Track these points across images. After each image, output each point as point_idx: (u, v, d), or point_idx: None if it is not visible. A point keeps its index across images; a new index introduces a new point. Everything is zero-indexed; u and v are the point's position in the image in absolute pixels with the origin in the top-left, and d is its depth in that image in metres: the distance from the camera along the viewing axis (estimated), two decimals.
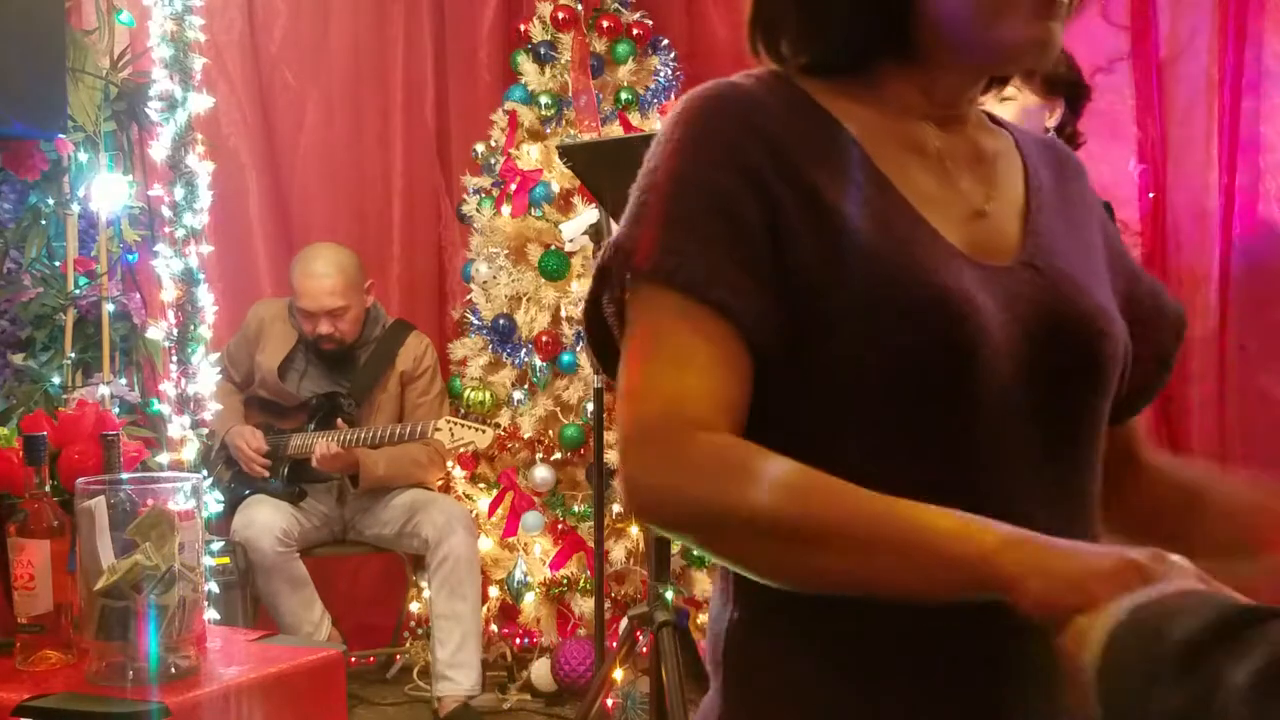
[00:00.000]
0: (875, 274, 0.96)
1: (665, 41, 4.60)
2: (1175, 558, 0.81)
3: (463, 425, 4.03)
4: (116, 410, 3.17)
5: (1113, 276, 1.12)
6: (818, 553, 0.89)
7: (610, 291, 1.01)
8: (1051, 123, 3.30)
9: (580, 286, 4.28)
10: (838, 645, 0.99)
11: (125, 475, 1.98)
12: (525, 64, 4.52)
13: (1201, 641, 0.66)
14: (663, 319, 0.96)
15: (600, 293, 1.02)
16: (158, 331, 3.38)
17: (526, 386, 4.39)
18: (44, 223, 3.40)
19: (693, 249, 0.96)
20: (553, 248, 4.31)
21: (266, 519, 3.97)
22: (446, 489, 4.40)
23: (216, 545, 3.63)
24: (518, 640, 4.37)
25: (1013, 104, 3.24)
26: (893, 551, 0.88)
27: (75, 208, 3.39)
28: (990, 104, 3.54)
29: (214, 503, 3.58)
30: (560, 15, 4.46)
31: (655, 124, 4.37)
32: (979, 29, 1.00)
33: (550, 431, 4.34)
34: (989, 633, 0.94)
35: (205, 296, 3.39)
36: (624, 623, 2.85)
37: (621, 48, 4.49)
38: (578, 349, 4.29)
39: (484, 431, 4.04)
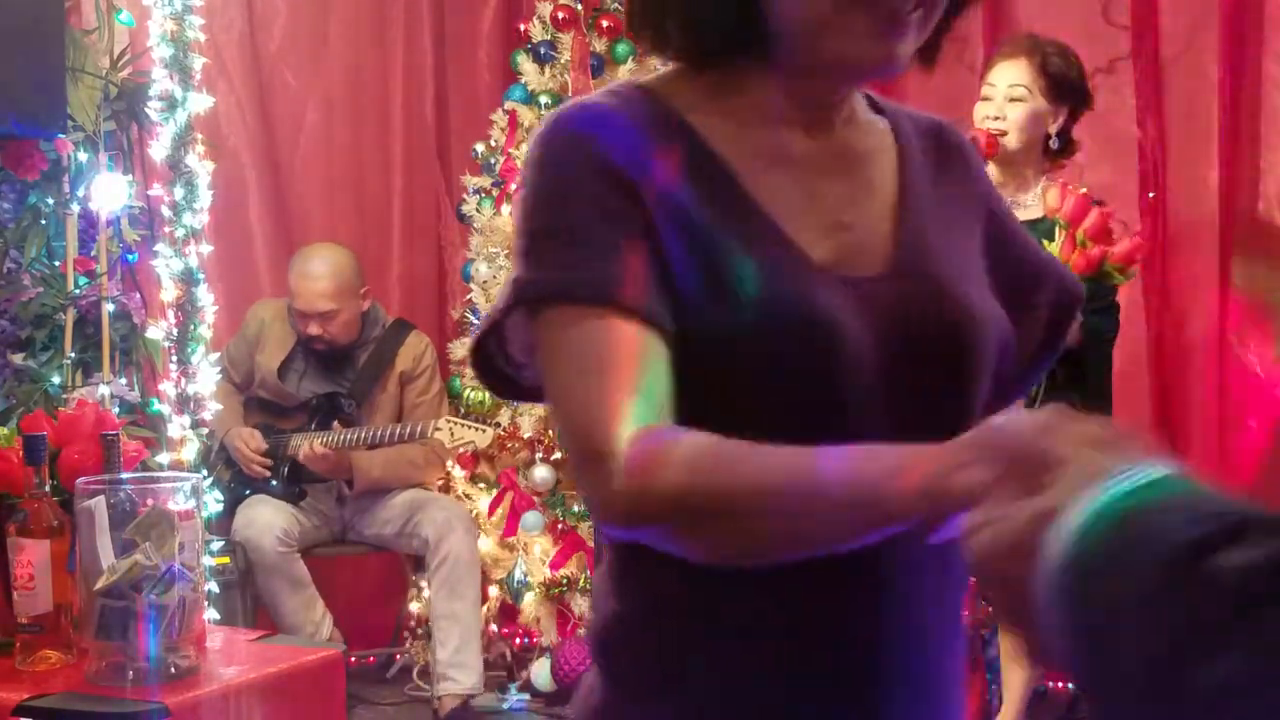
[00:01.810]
0: (736, 296, 0.96)
1: None
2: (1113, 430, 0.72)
3: (463, 425, 4.03)
4: (116, 410, 3.16)
5: (992, 265, 1.11)
6: (734, 522, 0.89)
7: (502, 328, 1.02)
8: (1054, 127, 3.30)
9: None
10: (711, 640, 1.01)
11: (125, 475, 1.98)
12: (525, 64, 4.52)
13: (1212, 544, 0.55)
14: (572, 334, 0.96)
15: (494, 329, 1.02)
16: (158, 331, 3.38)
17: None
18: (44, 222, 3.40)
19: (585, 260, 0.96)
20: None
21: (267, 519, 3.97)
22: (447, 489, 4.40)
23: (216, 545, 3.62)
24: (518, 640, 4.37)
25: (1022, 106, 3.25)
26: (800, 511, 0.87)
27: (75, 207, 3.39)
28: (1002, 103, 3.53)
29: (214, 502, 3.58)
30: (560, 15, 4.46)
31: None
32: (815, 43, 0.99)
33: (550, 431, 4.33)
34: (871, 627, 0.98)
35: (205, 296, 3.39)
36: None
37: (621, 48, 4.49)
38: None
39: (484, 431, 4.04)
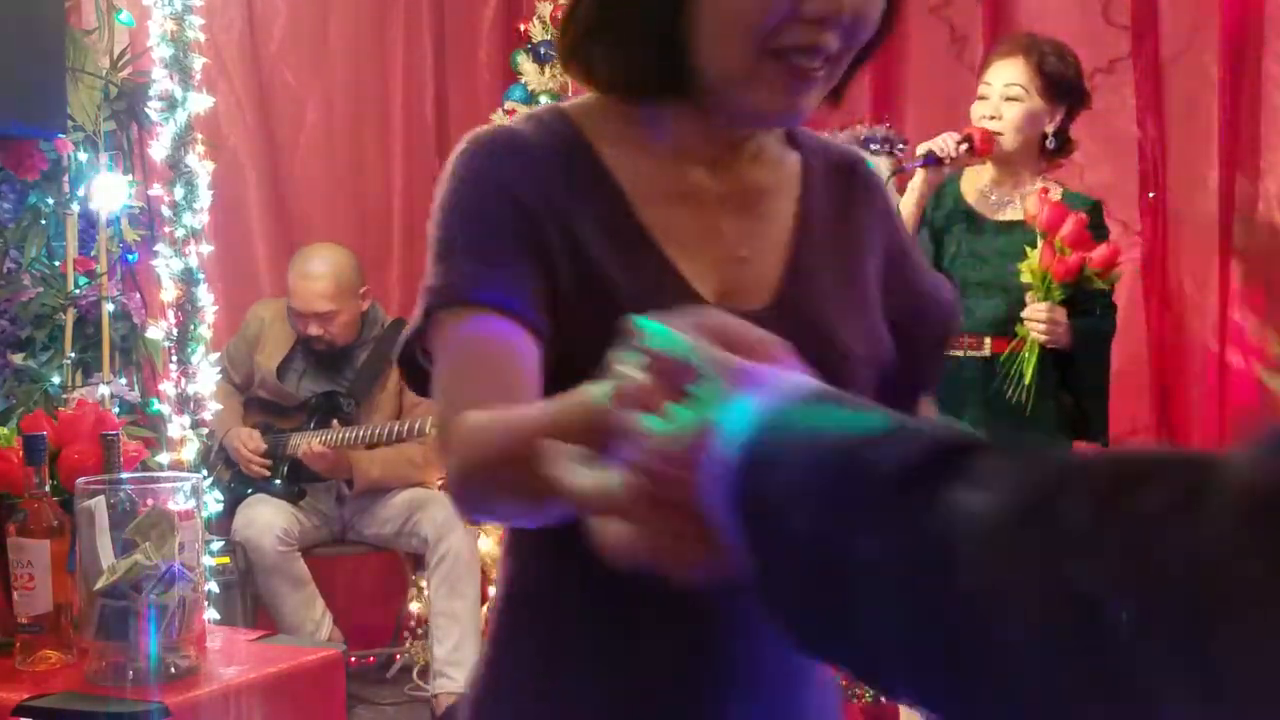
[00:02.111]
0: (614, 323, 0.97)
1: None
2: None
3: None
4: (116, 410, 3.16)
5: (886, 295, 1.17)
6: (507, 477, 0.90)
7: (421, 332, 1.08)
8: (1051, 127, 3.30)
9: None
10: (565, 628, 1.09)
11: (125, 475, 1.98)
12: (525, 64, 4.52)
13: (921, 472, 0.56)
14: (449, 334, 1.04)
15: (414, 335, 1.08)
16: (158, 331, 3.38)
17: None
18: (44, 222, 3.40)
19: (477, 271, 1.03)
20: None
21: (267, 519, 3.97)
22: (446, 489, 4.39)
23: (216, 545, 3.62)
24: None
25: (1019, 105, 3.25)
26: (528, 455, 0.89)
27: (75, 207, 3.39)
28: (998, 103, 3.53)
29: (214, 502, 3.58)
30: (560, 15, 4.46)
31: None
32: (731, 91, 1.05)
33: None
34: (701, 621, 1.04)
35: (205, 296, 3.39)
36: None
37: None
38: None
39: None
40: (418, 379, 1.10)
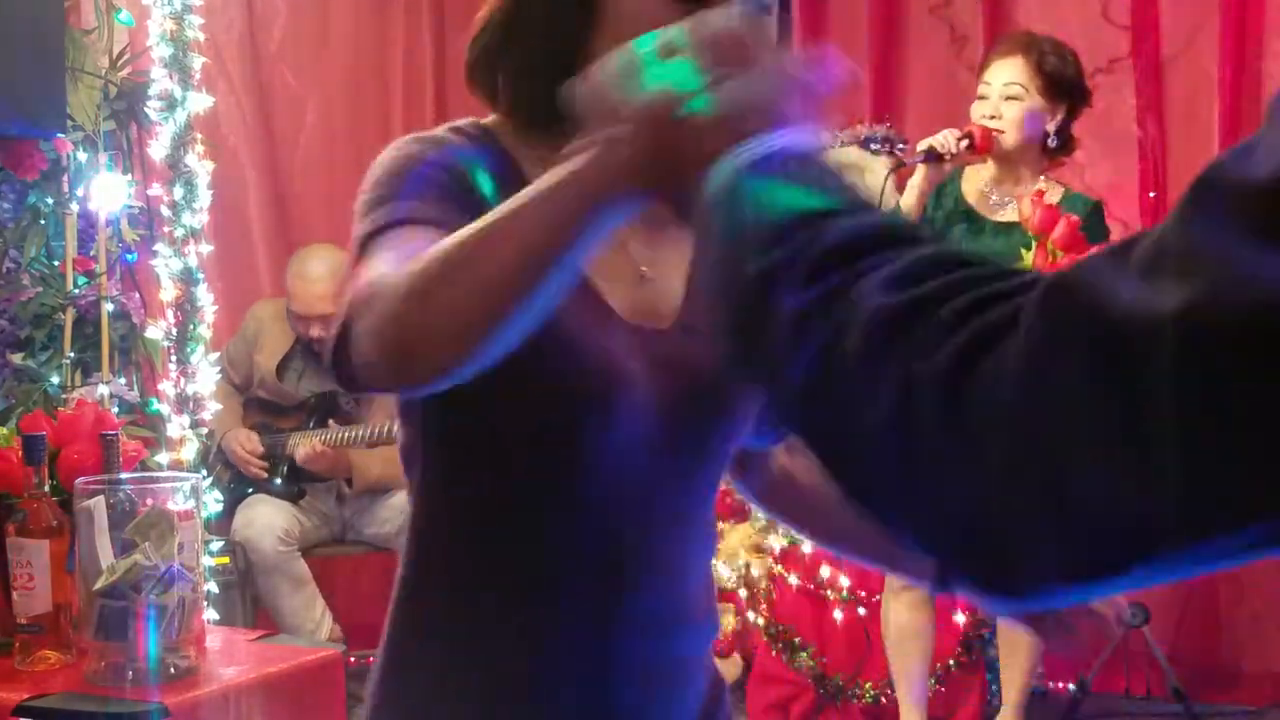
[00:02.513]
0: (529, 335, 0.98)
1: None
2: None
3: None
4: (116, 410, 3.16)
5: None
6: (452, 277, 0.90)
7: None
8: (1052, 126, 3.30)
9: None
10: (469, 631, 1.13)
11: (124, 475, 1.98)
12: None
13: (835, 211, 0.68)
14: (382, 241, 1.03)
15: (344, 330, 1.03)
16: (157, 331, 3.38)
17: None
18: (43, 222, 3.40)
19: (412, 207, 1.05)
20: None
21: (267, 519, 3.97)
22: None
23: (216, 545, 3.62)
24: None
25: (1019, 104, 3.25)
26: (508, 230, 0.89)
27: (74, 207, 3.39)
28: (998, 102, 3.53)
29: (213, 502, 3.58)
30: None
31: None
32: None
33: None
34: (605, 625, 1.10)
35: (205, 296, 3.39)
36: None
37: None
38: None
39: None
40: (349, 375, 1.04)
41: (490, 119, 1.15)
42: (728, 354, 0.73)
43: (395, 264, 0.96)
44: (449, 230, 0.94)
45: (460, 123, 1.14)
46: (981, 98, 3.26)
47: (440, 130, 1.13)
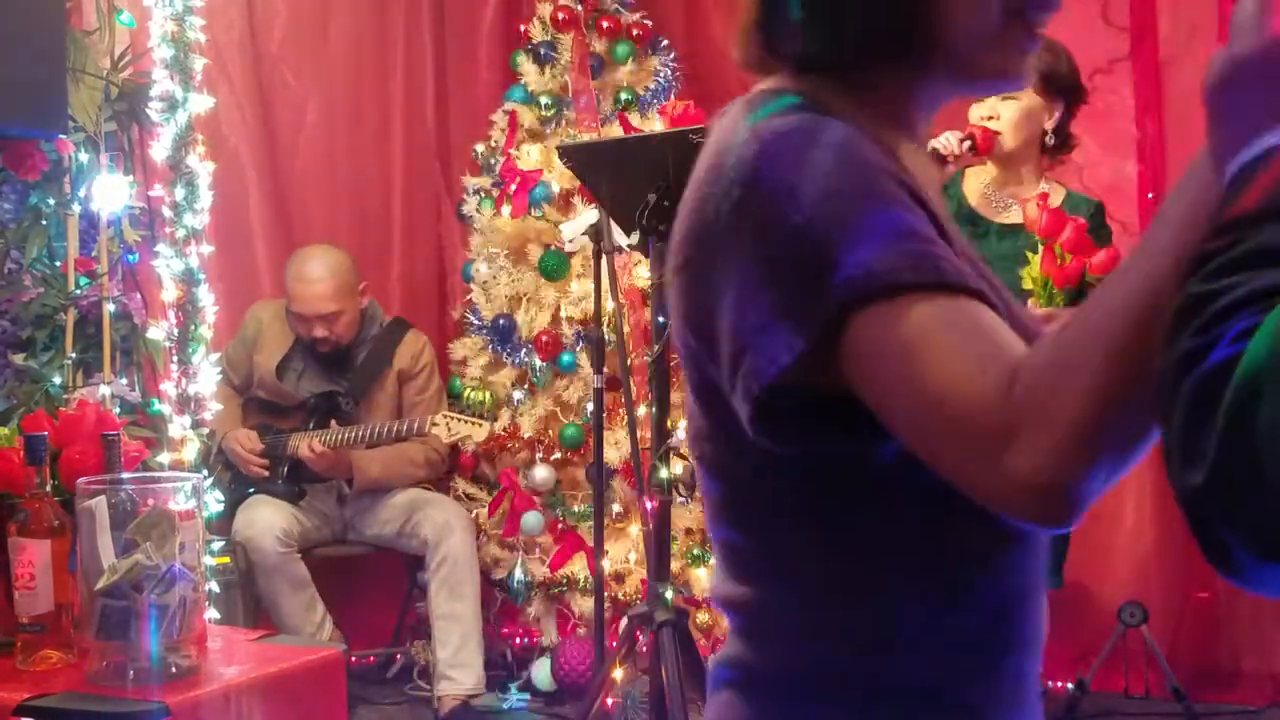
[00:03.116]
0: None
1: (665, 42, 4.60)
2: None
3: (459, 419, 4.05)
4: (117, 410, 3.17)
5: None
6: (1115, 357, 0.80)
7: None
8: (1050, 124, 3.30)
9: (579, 287, 4.29)
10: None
11: (126, 475, 1.98)
12: (525, 64, 4.53)
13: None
14: (921, 320, 0.87)
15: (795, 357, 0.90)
16: (158, 331, 3.39)
17: (526, 386, 4.39)
18: (45, 223, 3.40)
19: (921, 249, 0.88)
20: (553, 248, 4.31)
21: (267, 519, 3.97)
22: (448, 490, 4.40)
23: (217, 545, 3.63)
24: (518, 640, 4.37)
25: (1015, 104, 3.25)
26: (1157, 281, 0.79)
27: (76, 208, 3.39)
28: (995, 103, 3.53)
29: (214, 502, 3.58)
30: (560, 15, 4.46)
31: (655, 124, 4.37)
32: (976, 53, 1.01)
33: (550, 431, 4.34)
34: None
35: (206, 296, 3.39)
36: (624, 623, 2.86)
37: (621, 48, 4.49)
38: (577, 349, 4.29)
39: (480, 425, 4.05)
40: (777, 423, 0.93)
41: (800, 95, 1.00)
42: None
43: (978, 359, 0.84)
44: (963, 276, 0.86)
45: (791, 107, 0.97)
46: (978, 99, 3.27)
47: (808, 122, 0.94)
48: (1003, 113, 3.22)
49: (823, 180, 0.90)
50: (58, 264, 3.42)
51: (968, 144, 3.17)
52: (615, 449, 4.12)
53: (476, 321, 4.49)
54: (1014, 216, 3.28)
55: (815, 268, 0.88)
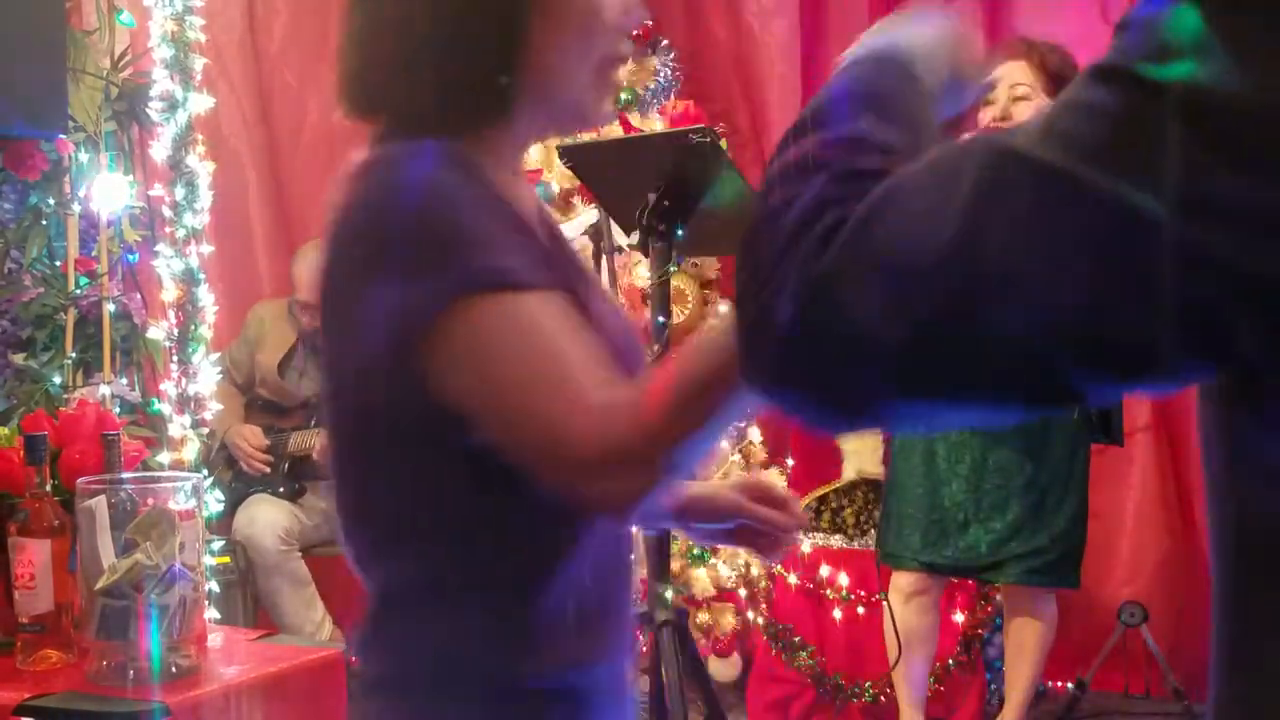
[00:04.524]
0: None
1: (665, 42, 4.59)
2: None
3: None
4: (117, 410, 3.17)
5: None
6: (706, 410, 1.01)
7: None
8: None
9: None
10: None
11: (126, 475, 1.98)
12: None
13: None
14: (514, 317, 1.07)
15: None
16: (158, 331, 3.39)
17: None
18: (45, 223, 3.40)
19: (517, 257, 1.07)
20: None
21: (268, 518, 3.97)
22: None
23: (217, 544, 3.63)
24: None
25: (1027, 104, 3.25)
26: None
27: (76, 208, 3.39)
28: (1007, 104, 3.51)
29: (214, 502, 3.59)
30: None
31: (655, 124, 4.37)
32: (578, 98, 1.13)
33: None
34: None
35: (206, 296, 3.39)
36: None
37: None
38: None
39: None
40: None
41: (430, 140, 1.13)
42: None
43: (575, 366, 1.03)
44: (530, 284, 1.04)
45: (418, 146, 1.14)
46: (988, 103, 3.26)
47: (418, 154, 1.13)
48: (1016, 113, 3.22)
49: (426, 196, 1.08)
50: (58, 264, 3.42)
51: None
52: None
53: None
54: None
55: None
